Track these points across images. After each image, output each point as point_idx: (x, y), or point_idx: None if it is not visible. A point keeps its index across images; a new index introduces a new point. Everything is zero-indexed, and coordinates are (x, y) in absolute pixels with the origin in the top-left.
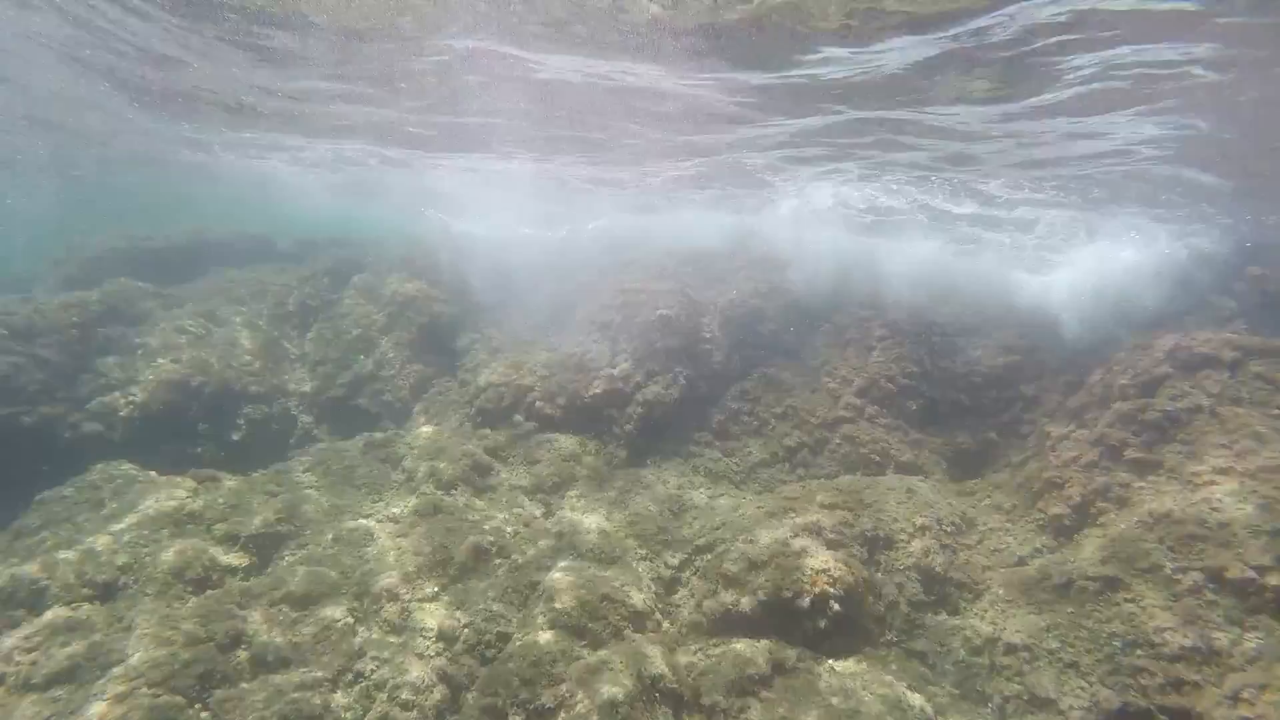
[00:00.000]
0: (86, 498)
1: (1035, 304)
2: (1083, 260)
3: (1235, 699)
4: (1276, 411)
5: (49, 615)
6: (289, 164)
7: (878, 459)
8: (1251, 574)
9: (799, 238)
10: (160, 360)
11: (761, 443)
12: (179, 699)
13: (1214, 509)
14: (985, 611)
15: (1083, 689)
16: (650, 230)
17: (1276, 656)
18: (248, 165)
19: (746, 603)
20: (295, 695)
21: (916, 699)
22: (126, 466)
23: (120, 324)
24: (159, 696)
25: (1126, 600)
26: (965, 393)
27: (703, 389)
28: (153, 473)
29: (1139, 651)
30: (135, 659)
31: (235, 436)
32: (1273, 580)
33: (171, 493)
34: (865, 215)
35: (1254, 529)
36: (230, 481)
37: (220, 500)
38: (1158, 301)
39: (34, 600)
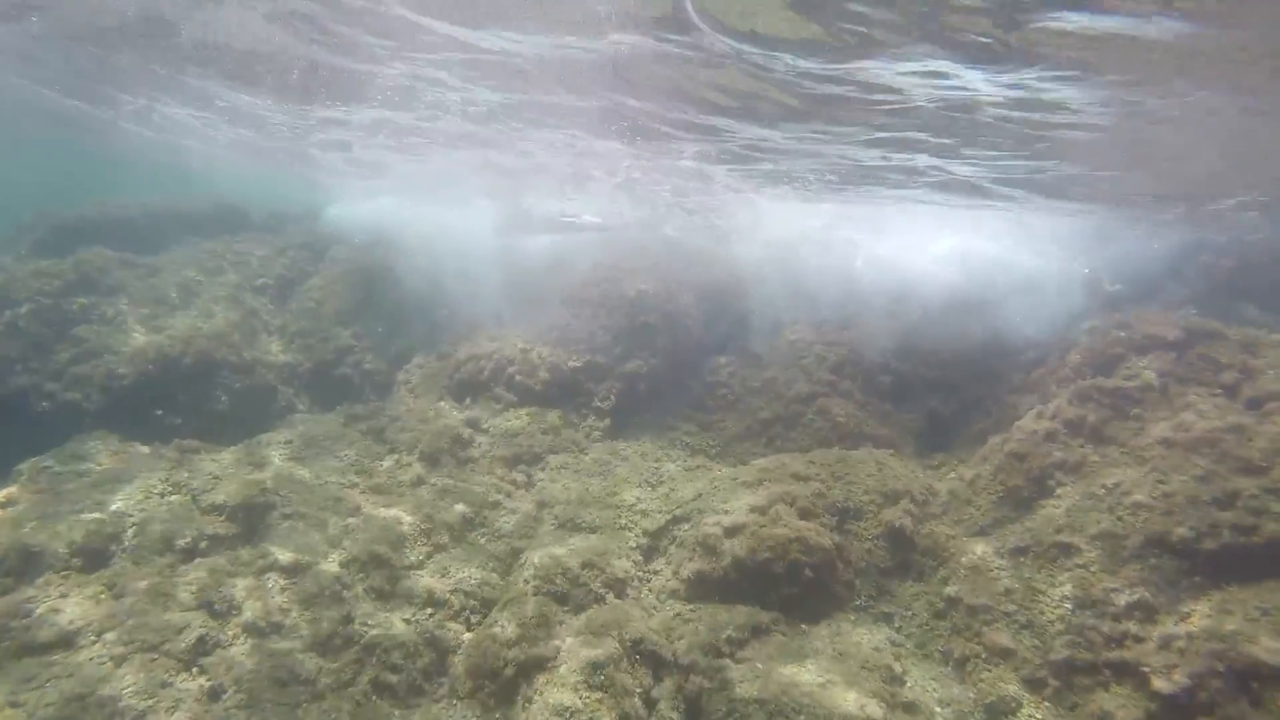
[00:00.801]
0: (69, 468)
1: (1001, 286)
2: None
3: (1166, 646)
4: (1219, 390)
5: (40, 583)
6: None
7: (849, 433)
8: (1190, 539)
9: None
10: (138, 330)
11: (736, 417)
12: (173, 662)
13: (1159, 480)
14: (948, 578)
15: (1036, 647)
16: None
17: (1206, 613)
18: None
19: (722, 570)
20: (285, 659)
21: (884, 659)
22: (108, 437)
23: (95, 293)
24: (154, 660)
25: (1078, 565)
26: (934, 369)
27: (680, 364)
28: (136, 444)
29: (1088, 612)
30: (130, 624)
31: (216, 407)
32: (1207, 545)
33: (155, 463)
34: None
35: (1193, 498)
36: (213, 452)
37: (204, 471)
38: (1117, 288)
39: (24, 568)
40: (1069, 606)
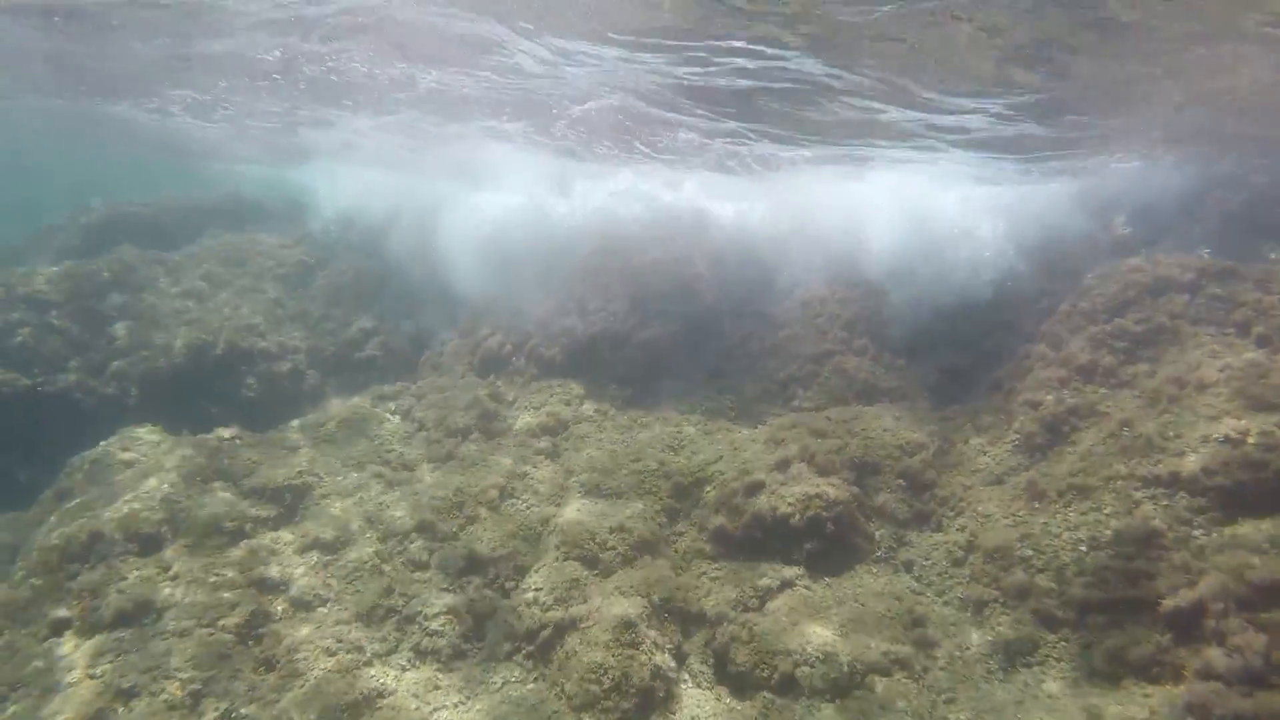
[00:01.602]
0: (117, 459)
1: (1006, 232)
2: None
3: (1177, 576)
4: (1230, 330)
5: (102, 568)
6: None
7: (865, 388)
8: (1201, 476)
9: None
10: (170, 325)
11: (753, 378)
12: (229, 636)
13: (1170, 422)
14: (966, 526)
15: (1052, 590)
16: None
17: (1217, 548)
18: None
19: (745, 528)
20: (335, 630)
21: (903, 606)
22: (150, 428)
23: (126, 291)
24: (212, 635)
25: (1093, 509)
26: (948, 321)
27: (696, 329)
28: (178, 432)
29: (1102, 552)
30: (186, 602)
31: (248, 395)
32: (1219, 481)
33: (198, 451)
34: None
35: (1204, 436)
36: (250, 438)
37: (243, 456)
38: (1129, 230)
39: (85, 555)
40: (1084, 548)
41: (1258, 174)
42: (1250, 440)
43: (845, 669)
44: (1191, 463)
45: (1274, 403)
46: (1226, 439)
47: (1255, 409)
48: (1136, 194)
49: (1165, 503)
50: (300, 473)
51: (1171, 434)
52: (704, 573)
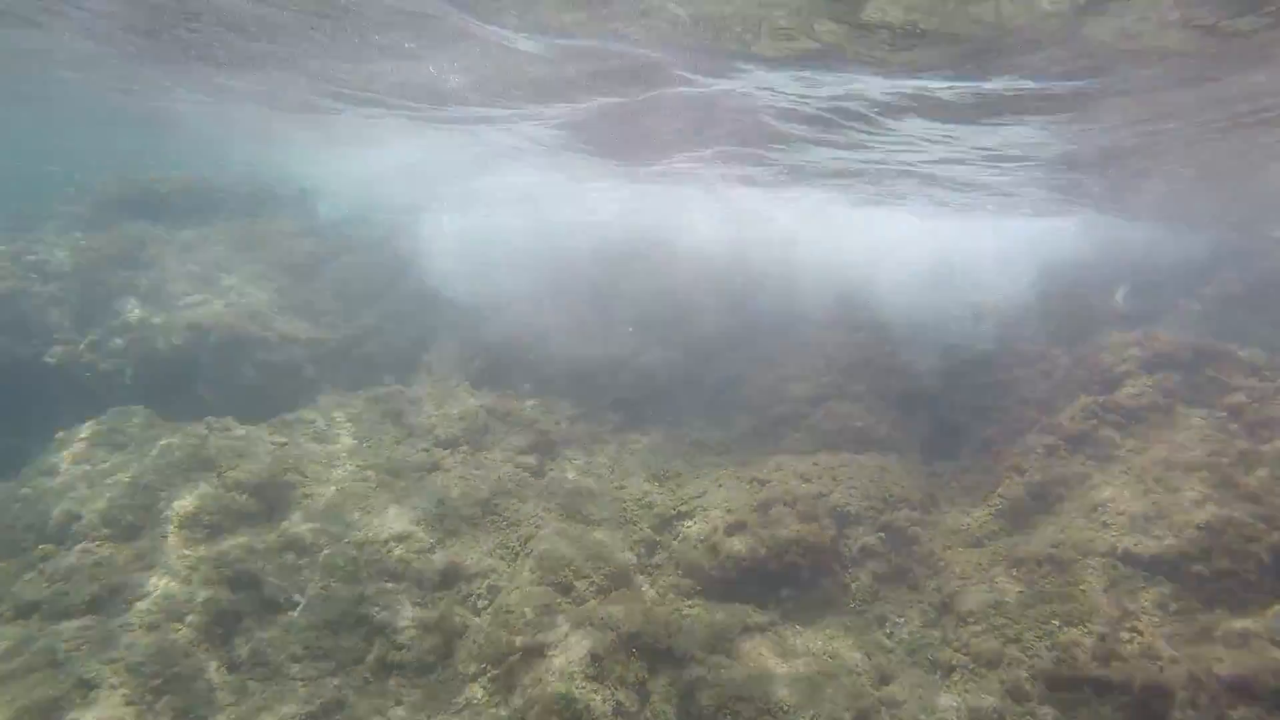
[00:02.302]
0: (105, 440)
1: (1012, 294)
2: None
3: (1147, 663)
4: (1223, 412)
5: (77, 551)
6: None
7: (857, 436)
8: (1179, 563)
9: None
10: (172, 306)
11: (746, 415)
12: (195, 634)
13: (1154, 501)
14: (942, 587)
15: (1021, 660)
16: None
17: (1190, 638)
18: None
19: (722, 567)
20: (302, 635)
21: (872, 662)
22: (141, 410)
23: (133, 268)
24: (178, 631)
25: (1068, 583)
26: (944, 376)
27: (694, 359)
28: (168, 417)
29: (1075, 629)
30: (158, 594)
31: (244, 383)
32: (1196, 568)
33: (185, 438)
34: None
35: (1186, 522)
36: (240, 429)
37: (231, 447)
38: (1131, 303)
39: (60, 536)
40: (1057, 622)
41: (1265, 258)
42: (1231, 530)
43: None
44: (1171, 547)
45: (1257, 493)
46: (1208, 526)
47: (1239, 499)
48: (1144, 264)
49: (1141, 585)
50: (285, 470)
51: (1154, 515)
52: (677, 609)
